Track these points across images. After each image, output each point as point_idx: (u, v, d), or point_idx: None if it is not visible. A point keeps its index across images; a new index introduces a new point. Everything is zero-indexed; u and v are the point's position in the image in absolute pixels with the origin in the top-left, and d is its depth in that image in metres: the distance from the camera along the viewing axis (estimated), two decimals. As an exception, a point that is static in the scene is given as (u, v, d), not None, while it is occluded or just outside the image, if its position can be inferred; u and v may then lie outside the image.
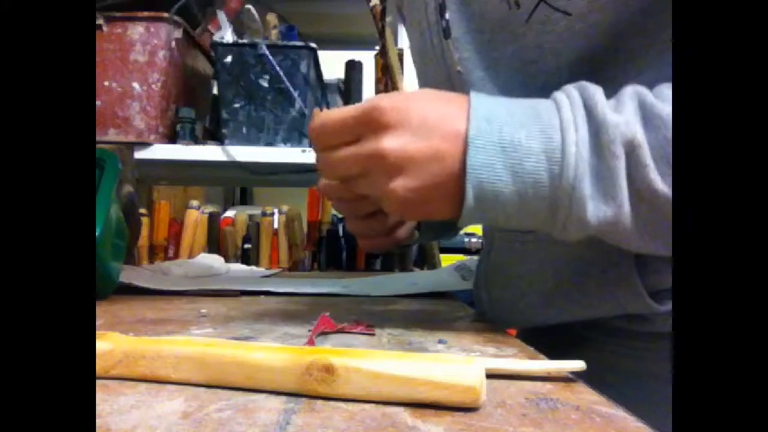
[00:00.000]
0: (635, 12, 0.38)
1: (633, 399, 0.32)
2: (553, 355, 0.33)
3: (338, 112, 0.37)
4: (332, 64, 1.29)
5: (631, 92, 0.35)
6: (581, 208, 0.34)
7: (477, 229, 2.54)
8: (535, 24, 0.40)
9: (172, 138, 1.02)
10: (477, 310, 0.56)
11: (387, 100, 0.36)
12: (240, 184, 2.62)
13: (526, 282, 0.51)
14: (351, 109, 0.37)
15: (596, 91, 0.35)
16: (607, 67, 0.40)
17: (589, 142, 0.34)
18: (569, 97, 0.36)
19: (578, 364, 0.29)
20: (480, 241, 2.43)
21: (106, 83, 0.97)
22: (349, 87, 1.23)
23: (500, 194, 0.35)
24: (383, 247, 0.54)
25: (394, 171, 0.35)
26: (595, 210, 0.34)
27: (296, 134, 1.02)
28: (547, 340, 0.49)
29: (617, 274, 0.43)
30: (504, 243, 0.53)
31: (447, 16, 0.45)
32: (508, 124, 0.35)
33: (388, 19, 1.13)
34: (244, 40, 1.05)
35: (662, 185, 0.33)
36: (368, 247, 0.53)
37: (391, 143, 0.35)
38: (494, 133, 0.35)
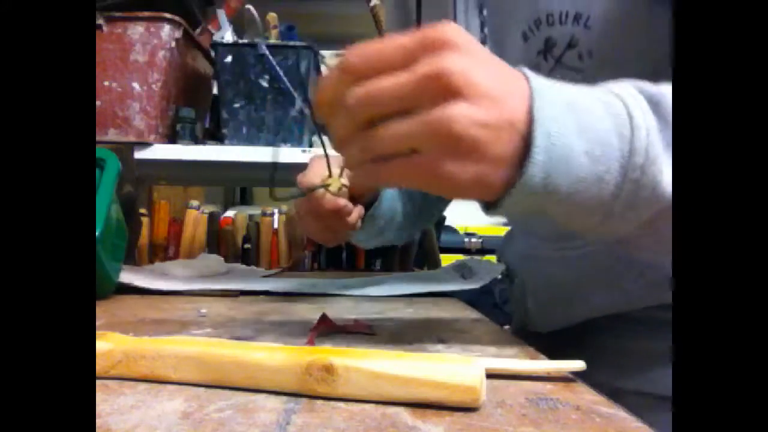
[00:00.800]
0: (638, 74, 0.39)
1: (654, 378, 0.33)
2: (565, 344, 0.33)
3: (384, 40, 0.30)
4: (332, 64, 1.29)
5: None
6: (657, 170, 0.31)
7: (477, 228, 2.54)
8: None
9: (172, 138, 1.02)
10: (504, 317, 0.60)
11: (447, 25, 0.30)
12: (240, 184, 2.62)
13: (574, 289, 0.54)
14: (402, 36, 0.29)
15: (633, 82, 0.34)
16: None
17: (650, 109, 0.32)
18: (609, 84, 0.34)
19: (578, 364, 0.29)
20: (480, 241, 2.43)
21: (106, 83, 0.97)
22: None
23: (570, 151, 0.30)
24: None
25: (455, 95, 0.28)
26: (670, 174, 0.31)
27: (296, 134, 1.02)
28: (560, 330, 0.55)
29: (659, 274, 0.46)
30: (548, 250, 0.56)
31: None
32: (566, 92, 0.32)
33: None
34: (244, 40, 1.05)
35: None
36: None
37: (456, 62, 0.28)
38: (556, 92, 0.31)
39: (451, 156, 0.29)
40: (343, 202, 0.50)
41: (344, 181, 0.48)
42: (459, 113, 0.28)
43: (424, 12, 0.58)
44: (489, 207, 0.33)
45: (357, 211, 0.54)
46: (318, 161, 0.52)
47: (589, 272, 0.52)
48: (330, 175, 0.48)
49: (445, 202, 0.76)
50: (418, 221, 0.73)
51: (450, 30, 0.29)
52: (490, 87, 0.29)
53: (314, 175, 0.50)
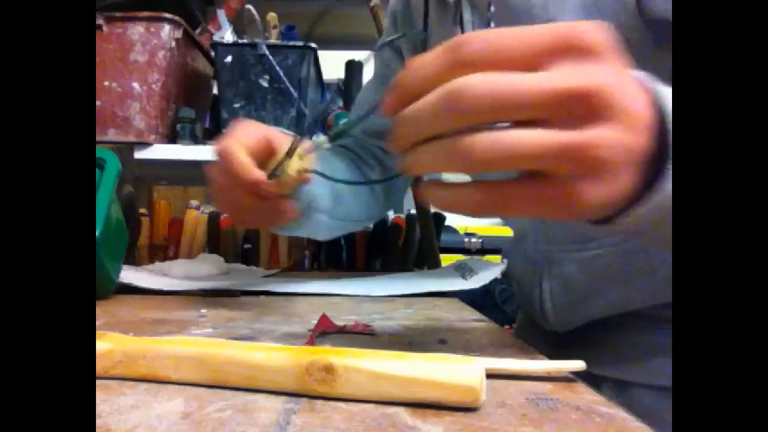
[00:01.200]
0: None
1: (657, 369, 0.33)
2: (572, 339, 0.33)
3: (516, 30, 0.24)
4: (332, 64, 1.29)
5: None
6: None
7: (477, 228, 2.54)
8: None
9: (172, 138, 1.02)
10: (521, 317, 0.60)
11: (590, 25, 0.25)
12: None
13: (590, 289, 0.55)
14: (536, 28, 0.25)
15: None
16: None
17: None
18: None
19: (578, 364, 0.29)
20: (480, 241, 2.43)
21: (106, 83, 0.97)
22: (350, 87, 1.23)
23: None
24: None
25: (602, 116, 0.24)
26: None
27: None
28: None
29: (669, 271, 0.47)
30: (562, 253, 0.57)
31: None
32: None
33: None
34: (244, 40, 1.05)
35: None
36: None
37: (605, 77, 0.24)
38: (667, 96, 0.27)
39: (587, 180, 0.25)
40: (287, 190, 0.43)
41: (305, 163, 0.39)
42: (606, 137, 0.24)
43: (432, 25, 0.58)
44: (602, 221, 0.29)
45: (295, 205, 0.48)
46: (246, 127, 0.43)
47: (604, 272, 0.53)
48: (290, 156, 0.39)
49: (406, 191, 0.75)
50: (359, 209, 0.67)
51: (595, 32, 0.24)
52: (631, 103, 0.25)
53: (242, 139, 0.42)
